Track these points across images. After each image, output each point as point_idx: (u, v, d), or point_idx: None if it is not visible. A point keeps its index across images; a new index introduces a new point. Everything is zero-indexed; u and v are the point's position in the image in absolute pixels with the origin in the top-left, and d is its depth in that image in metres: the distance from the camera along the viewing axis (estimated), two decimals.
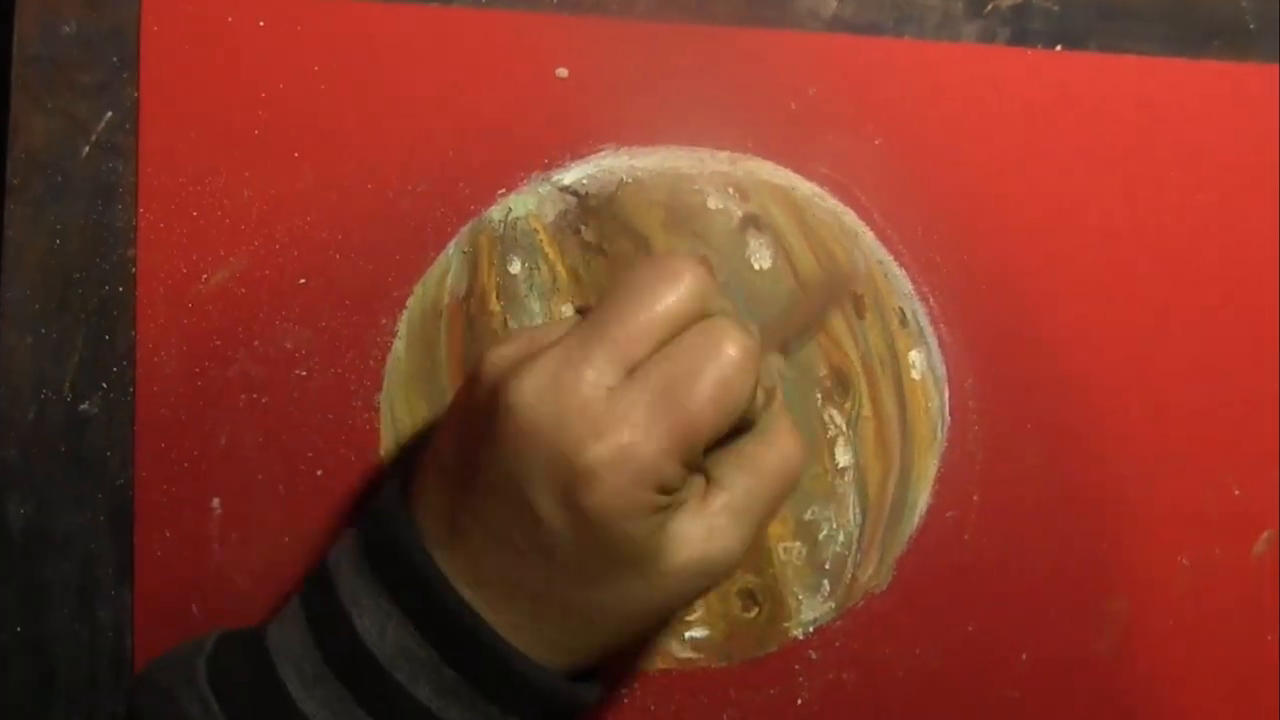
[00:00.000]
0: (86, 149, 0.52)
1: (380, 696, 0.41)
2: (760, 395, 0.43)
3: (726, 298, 0.43)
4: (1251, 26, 0.53)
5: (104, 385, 0.53)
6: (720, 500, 0.42)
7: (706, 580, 0.42)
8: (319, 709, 0.41)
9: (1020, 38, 0.53)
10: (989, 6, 0.53)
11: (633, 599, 0.41)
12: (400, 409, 0.53)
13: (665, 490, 0.40)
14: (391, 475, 0.53)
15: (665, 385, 0.40)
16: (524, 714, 0.42)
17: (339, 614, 0.42)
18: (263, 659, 0.43)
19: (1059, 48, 0.53)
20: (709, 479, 0.43)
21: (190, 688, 0.43)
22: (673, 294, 0.41)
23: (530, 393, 0.40)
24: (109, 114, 0.52)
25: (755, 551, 0.54)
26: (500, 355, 0.42)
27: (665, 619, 0.45)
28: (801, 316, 0.51)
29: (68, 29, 0.52)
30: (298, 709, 0.42)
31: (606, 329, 0.41)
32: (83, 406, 0.53)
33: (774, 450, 0.43)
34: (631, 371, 0.40)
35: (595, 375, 0.40)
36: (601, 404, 0.39)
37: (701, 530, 0.41)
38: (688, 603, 0.46)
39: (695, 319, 0.41)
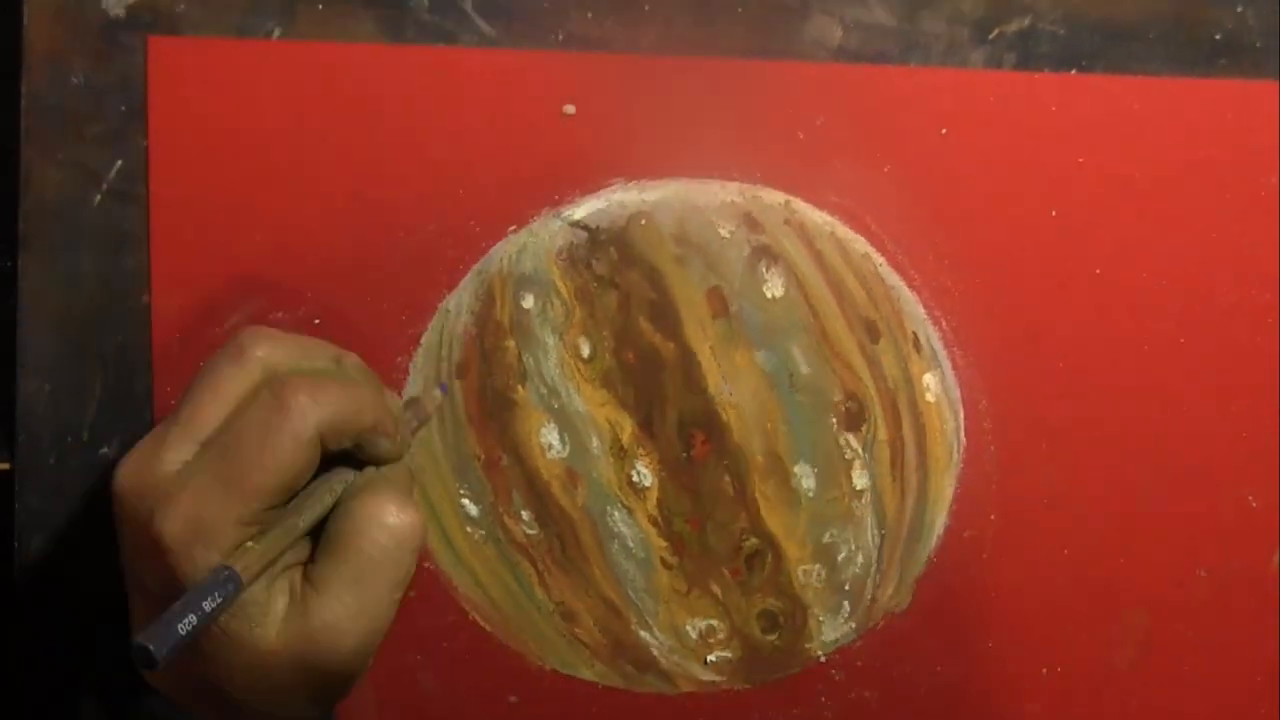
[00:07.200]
0: (98, 197, 0.52)
1: None
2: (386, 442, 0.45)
3: (315, 355, 0.45)
4: (1257, 44, 0.53)
5: (123, 428, 0.53)
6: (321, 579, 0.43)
7: (320, 655, 0.43)
8: None
9: (1026, 62, 0.53)
10: (994, 32, 0.53)
11: (247, 685, 0.43)
12: (414, 447, 0.53)
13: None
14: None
15: (223, 451, 0.42)
16: None
17: None
18: None
19: (1069, 72, 0.53)
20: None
21: None
22: (233, 366, 0.43)
23: (124, 477, 0.43)
24: (119, 162, 0.52)
25: (776, 574, 0.54)
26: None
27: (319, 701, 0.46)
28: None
29: (76, 80, 0.52)
30: None
31: (179, 411, 0.43)
32: (103, 450, 0.53)
33: (366, 531, 0.44)
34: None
35: (170, 453, 0.42)
36: (173, 478, 0.42)
37: (299, 612, 0.43)
38: (311, 685, 0.44)
39: (263, 386, 0.43)
